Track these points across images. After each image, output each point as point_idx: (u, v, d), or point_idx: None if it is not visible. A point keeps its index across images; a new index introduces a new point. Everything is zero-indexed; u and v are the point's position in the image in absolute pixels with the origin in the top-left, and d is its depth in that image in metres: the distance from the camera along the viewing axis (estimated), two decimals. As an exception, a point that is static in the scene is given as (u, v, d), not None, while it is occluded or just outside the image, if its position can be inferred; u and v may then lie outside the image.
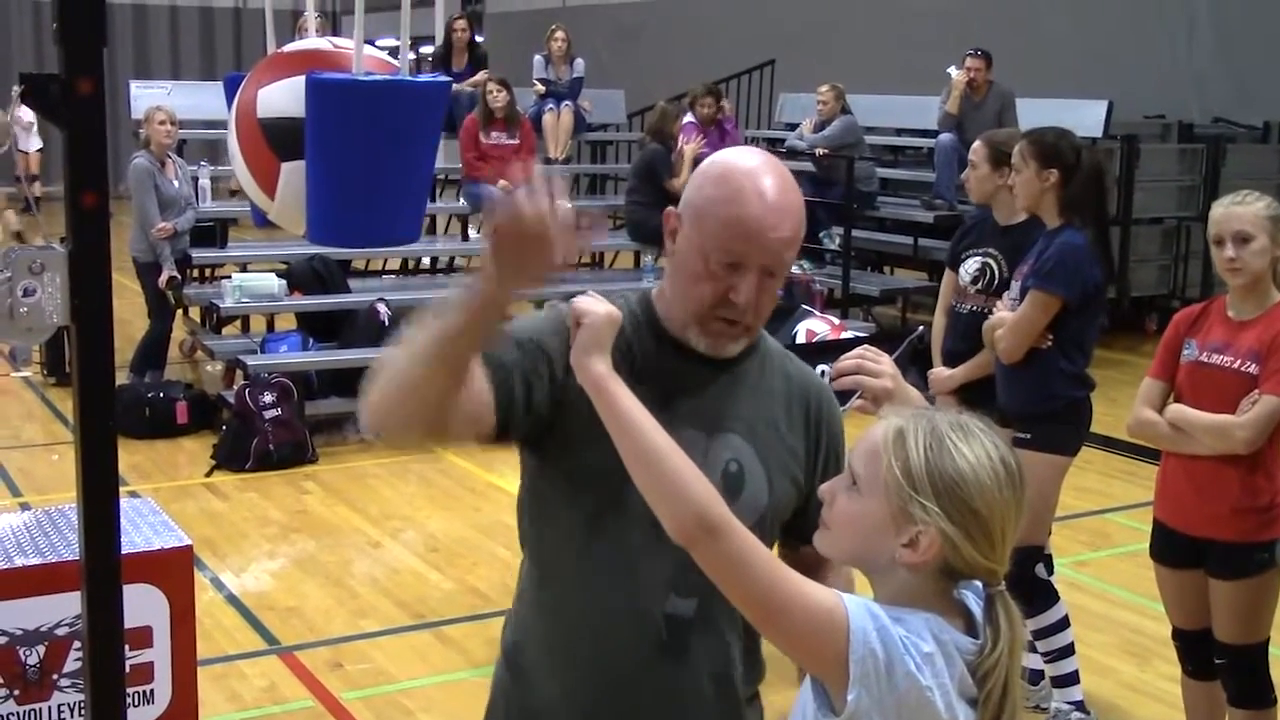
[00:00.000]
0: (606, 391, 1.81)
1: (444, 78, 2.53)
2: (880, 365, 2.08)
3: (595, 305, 1.88)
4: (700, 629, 2.05)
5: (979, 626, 1.75)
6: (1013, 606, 1.76)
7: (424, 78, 2.48)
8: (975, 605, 1.78)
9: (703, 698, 2.09)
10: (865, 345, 2.16)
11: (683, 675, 2.06)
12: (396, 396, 1.87)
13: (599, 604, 2.05)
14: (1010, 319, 4.39)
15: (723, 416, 2.08)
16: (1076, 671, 4.51)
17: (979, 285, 4.78)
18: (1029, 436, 4.39)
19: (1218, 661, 3.78)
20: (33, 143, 17.80)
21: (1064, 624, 4.47)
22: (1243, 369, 3.59)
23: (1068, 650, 4.48)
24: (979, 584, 1.77)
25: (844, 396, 2.18)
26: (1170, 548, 3.83)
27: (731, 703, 2.13)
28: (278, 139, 2.42)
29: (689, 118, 10.39)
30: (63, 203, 2.27)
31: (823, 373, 5.11)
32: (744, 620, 1.93)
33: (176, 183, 8.59)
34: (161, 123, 8.47)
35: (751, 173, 1.99)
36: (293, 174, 2.38)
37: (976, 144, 4.89)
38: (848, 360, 2.09)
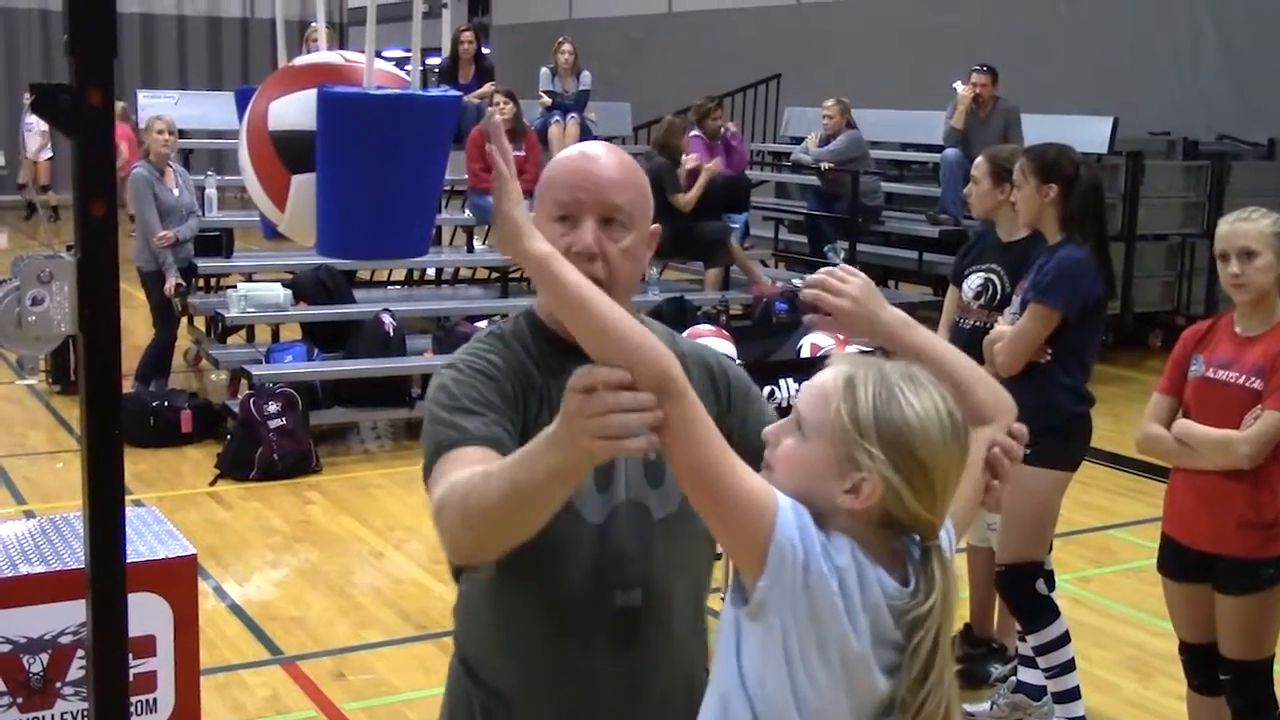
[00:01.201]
0: (550, 270, 1.73)
1: (455, 92, 2.53)
2: (845, 286, 2.07)
3: (506, 192, 1.84)
4: (650, 618, 2.07)
5: (914, 578, 1.77)
6: (948, 562, 1.78)
7: (435, 92, 2.49)
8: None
9: (660, 684, 2.11)
10: (842, 264, 2.15)
11: (647, 667, 2.09)
12: (481, 531, 1.85)
13: (554, 601, 2.06)
14: (1010, 332, 4.40)
15: None
16: (1078, 688, 4.50)
17: (981, 301, 4.79)
18: (1029, 451, 4.37)
19: (1223, 677, 3.78)
20: (44, 152, 17.85)
21: (1065, 639, 4.46)
22: (1248, 384, 3.60)
23: (1069, 666, 4.47)
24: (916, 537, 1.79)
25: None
26: (1178, 562, 3.83)
27: (690, 685, 2.14)
28: (288, 151, 2.43)
29: (695, 132, 10.39)
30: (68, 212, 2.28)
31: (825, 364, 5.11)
32: (693, 604, 2.07)
33: (177, 191, 8.61)
34: (160, 132, 8.50)
35: (581, 145, 2.17)
36: (303, 186, 2.39)
37: (979, 159, 4.91)
38: (817, 275, 2.11)
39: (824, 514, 1.76)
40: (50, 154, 17.85)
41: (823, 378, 1.79)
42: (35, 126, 17.61)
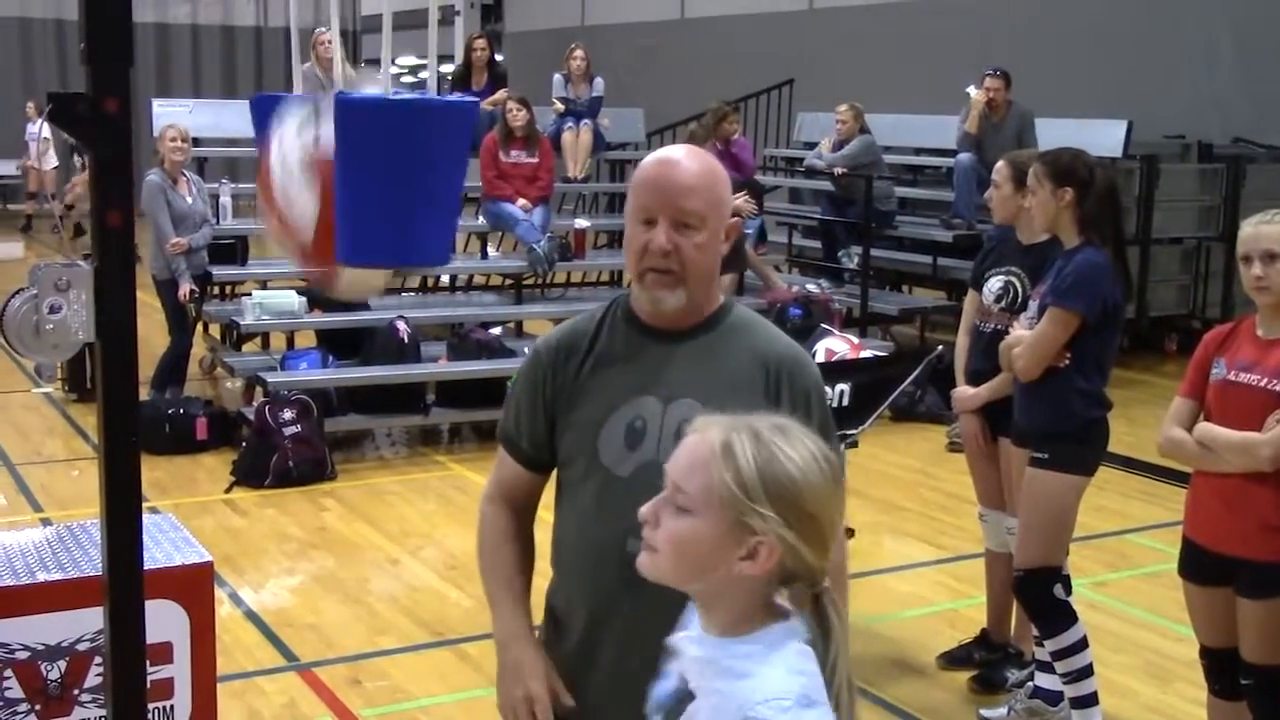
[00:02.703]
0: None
1: (471, 98, 2.55)
2: None
3: None
4: None
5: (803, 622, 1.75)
6: (836, 599, 1.76)
7: (453, 97, 2.51)
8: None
9: (668, 630, 2.24)
10: None
11: (646, 608, 2.20)
12: None
13: (581, 537, 2.44)
14: (1029, 336, 4.39)
15: (680, 384, 2.38)
16: (1096, 693, 4.49)
17: (1002, 304, 4.79)
18: (1046, 456, 4.39)
19: (1244, 682, 3.76)
20: (48, 160, 17.89)
21: (1083, 645, 4.45)
22: (1270, 387, 3.59)
23: (1087, 671, 4.45)
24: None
25: (863, 415, 2.24)
26: (1199, 565, 3.81)
27: None
28: None
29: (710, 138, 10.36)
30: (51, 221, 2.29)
31: (842, 393, 5.09)
32: None
33: (190, 199, 8.64)
34: (173, 140, 8.54)
35: (663, 150, 2.42)
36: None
37: (1000, 164, 4.90)
38: None
39: (723, 584, 1.72)
40: (56, 163, 17.92)
41: (694, 447, 1.74)
42: (39, 135, 17.70)
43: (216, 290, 9.76)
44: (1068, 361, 4.35)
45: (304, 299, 8.87)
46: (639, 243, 2.34)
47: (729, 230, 2.40)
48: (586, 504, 2.41)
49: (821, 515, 1.71)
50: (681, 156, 2.37)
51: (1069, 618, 4.45)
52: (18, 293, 2.36)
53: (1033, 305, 4.48)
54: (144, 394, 8.27)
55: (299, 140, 2.57)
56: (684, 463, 1.74)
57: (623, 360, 2.41)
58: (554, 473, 2.56)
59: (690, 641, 1.78)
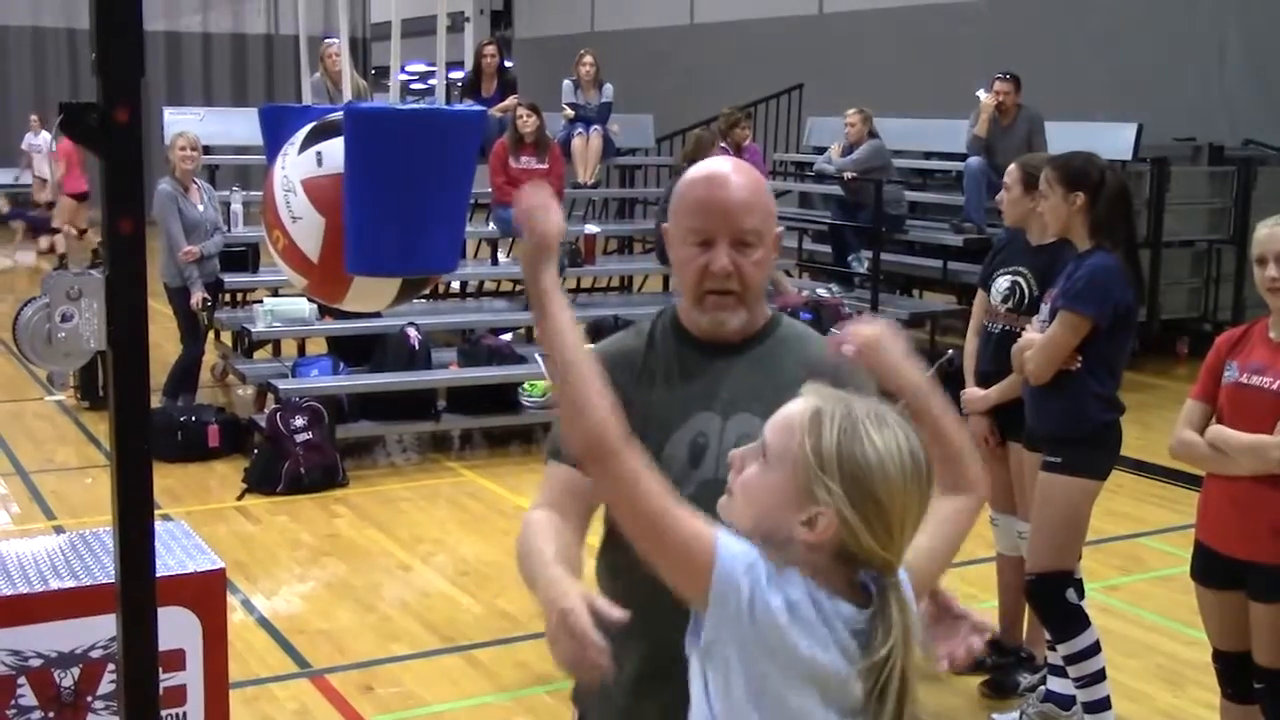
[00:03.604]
0: (546, 305, 1.90)
1: (479, 107, 2.56)
2: (868, 328, 2.08)
3: (546, 215, 1.96)
4: None
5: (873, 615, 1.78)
6: (905, 599, 1.78)
7: (461, 107, 2.52)
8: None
9: None
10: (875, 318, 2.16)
11: None
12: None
13: (639, 562, 2.12)
14: (1039, 340, 4.38)
15: (737, 398, 2.31)
16: (1108, 697, 4.48)
17: (1009, 304, 4.79)
18: (1059, 460, 4.38)
19: (1257, 686, 3.75)
20: (56, 171, 17.95)
21: (1095, 649, 4.44)
22: (1282, 390, 3.58)
23: (1099, 675, 4.45)
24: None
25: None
26: (1211, 569, 3.81)
27: None
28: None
29: (721, 143, 10.37)
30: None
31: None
32: None
33: (201, 207, 8.66)
34: (183, 148, 8.56)
35: (708, 165, 2.36)
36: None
37: (1011, 167, 4.91)
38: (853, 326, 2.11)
39: (781, 544, 1.78)
40: (62, 172, 17.99)
41: (792, 408, 1.81)
42: (43, 148, 17.77)
43: (228, 298, 9.78)
44: (1079, 365, 4.35)
45: (315, 306, 8.88)
46: (698, 265, 2.28)
47: (776, 240, 2.36)
48: None
49: (889, 504, 1.74)
50: (729, 172, 2.31)
51: (1081, 622, 4.44)
52: (30, 301, 2.37)
53: (1044, 308, 4.48)
54: (156, 401, 8.29)
55: (300, 157, 2.58)
56: (779, 419, 1.81)
57: (680, 377, 2.36)
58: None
59: None
